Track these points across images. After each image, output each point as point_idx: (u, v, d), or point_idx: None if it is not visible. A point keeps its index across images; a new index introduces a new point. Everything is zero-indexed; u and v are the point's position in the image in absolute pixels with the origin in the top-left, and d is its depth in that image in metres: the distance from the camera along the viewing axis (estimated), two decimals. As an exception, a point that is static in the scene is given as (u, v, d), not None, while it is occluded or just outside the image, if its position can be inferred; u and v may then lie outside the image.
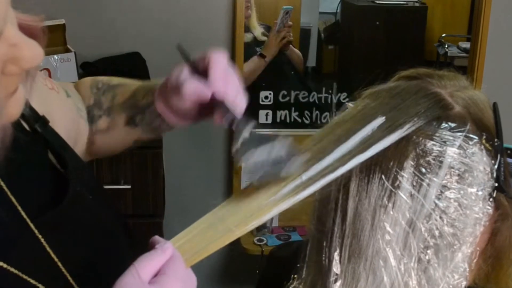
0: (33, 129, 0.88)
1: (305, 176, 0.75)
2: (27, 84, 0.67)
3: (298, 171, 0.76)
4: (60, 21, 2.57)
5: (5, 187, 0.77)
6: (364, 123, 0.76)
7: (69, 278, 0.78)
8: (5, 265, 0.72)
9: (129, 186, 2.45)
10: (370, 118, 0.77)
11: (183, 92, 0.91)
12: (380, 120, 0.76)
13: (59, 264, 0.78)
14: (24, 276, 0.73)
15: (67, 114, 1.04)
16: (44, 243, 0.77)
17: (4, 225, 0.73)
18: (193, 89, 0.91)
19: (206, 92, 0.90)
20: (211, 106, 0.92)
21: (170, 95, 0.97)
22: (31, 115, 0.88)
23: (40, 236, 0.77)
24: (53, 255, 0.78)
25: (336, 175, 0.74)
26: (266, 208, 0.75)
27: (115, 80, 1.16)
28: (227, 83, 0.91)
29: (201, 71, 0.92)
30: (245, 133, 0.81)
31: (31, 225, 0.77)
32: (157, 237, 0.74)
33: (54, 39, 2.57)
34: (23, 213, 0.77)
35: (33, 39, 0.62)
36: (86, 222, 0.87)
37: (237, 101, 0.92)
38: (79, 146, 1.07)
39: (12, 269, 0.72)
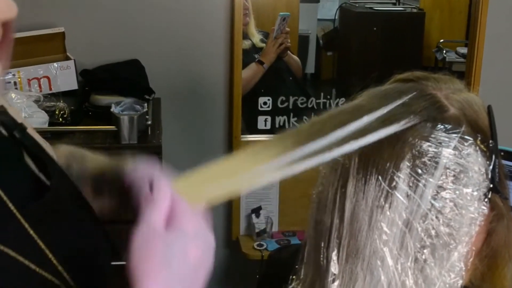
0: (11, 135, 0.88)
1: (298, 153, 0.76)
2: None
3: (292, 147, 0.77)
4: (59, 29, 2.58)
5: None
6: (360, 115, 0.77)
7: (56, 263, 0.81)
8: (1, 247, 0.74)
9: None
10: (366, 111, 0.77)
11: None
12: (378, 112, 0.77)
13: (47, 251, 0.80)
14: (20, 258, 0.76)
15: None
16: (31, 232, 0.80)
17: None
18: None
19: None
20: None
21: None
22: (8, 121, 0.89)
23: (27, 225, 0.79)
24: (40, 242, 0.80)
25: (330, 156, 0.75)
26: (255, 177, 0.77)
27: (88, 153, 1.14)
28: None
29: None
30: None
31: (18, 214, 0.79)
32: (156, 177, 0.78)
33: (54, 47, 2.58)
34: (9, 204, 0.78)
35: None
36: (67, 215, 0.90)
37: None
38: None
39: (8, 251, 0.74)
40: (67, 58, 2.58)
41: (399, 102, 0.77)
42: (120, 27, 2.72)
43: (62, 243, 0.85)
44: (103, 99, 2.45)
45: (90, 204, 1.01)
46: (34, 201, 0.83)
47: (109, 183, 1.05)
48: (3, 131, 0.88)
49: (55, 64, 2.51)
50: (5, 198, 0.78)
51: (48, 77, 2.49)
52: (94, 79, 2.58)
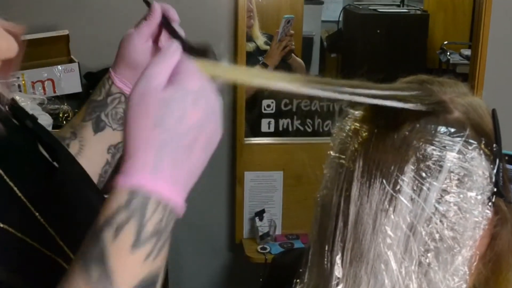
0: (23, 124, 0.91)
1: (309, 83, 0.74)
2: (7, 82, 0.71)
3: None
4: (63, 31, 2.59)
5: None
6: (368, 87, 0.77)
7: (62, 244, 0.82)
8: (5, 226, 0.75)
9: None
10: (373, 88, 0.77)
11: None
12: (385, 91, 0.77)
13: (53, 233, 0.82)
14: (24, 236, 0.76)
15: None
16: (38, 215, 0.81)
17: None
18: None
19: None
20: None
21: (129, 58, 1.15)
22: (20, 112, 0.92)
23: (33, 209, 0.81)
24: (47, 226, 0.81)
25: (337, 95, 0.74)
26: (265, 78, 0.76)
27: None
28: None
29: None
30: None
31: (23, 198, 0.80)
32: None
33: (58, 50, 2.59)
34: (15, 188, 0.80)
35: None
36: (74, 197, 0.92)
37: None
38: None
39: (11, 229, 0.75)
40: (71, 61, 2.59)
41: (406, 93, 0.78)
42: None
43: (68, 223, 0.86)
44: (107, 102, 2.45)
45: (97, 186, 1.05)
46: (44, 185, 0.85)
47: (103, 100, 1.16)
48: (15, 122, 0.91)
49: (59, 66, 2.51)
50: (10, 183, 0.79)
51: (52, 80, 2.50)
52: (98, 82, 2.58)
